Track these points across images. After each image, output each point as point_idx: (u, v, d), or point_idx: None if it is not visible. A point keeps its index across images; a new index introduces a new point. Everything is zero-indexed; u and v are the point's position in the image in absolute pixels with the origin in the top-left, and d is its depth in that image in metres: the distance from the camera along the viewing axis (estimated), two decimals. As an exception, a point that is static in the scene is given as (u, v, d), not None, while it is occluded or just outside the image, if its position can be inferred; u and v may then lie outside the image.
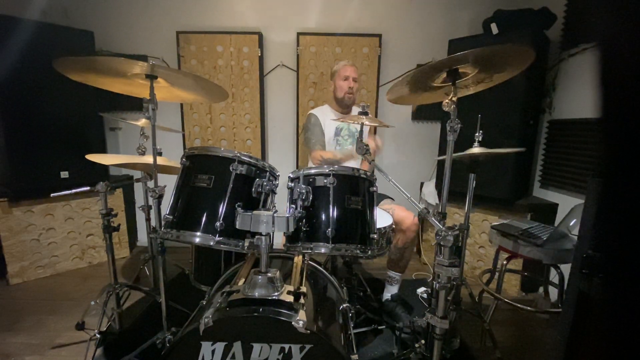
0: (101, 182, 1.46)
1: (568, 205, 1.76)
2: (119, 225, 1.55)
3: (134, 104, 2.59)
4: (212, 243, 1.12)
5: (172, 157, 1.68)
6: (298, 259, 1.28)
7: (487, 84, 1.25)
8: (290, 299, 0.96)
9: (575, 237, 1.38)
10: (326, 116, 2.06)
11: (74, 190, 1.59)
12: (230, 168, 1.17)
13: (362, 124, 1.43)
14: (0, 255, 2.14)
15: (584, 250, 0.95)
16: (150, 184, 1.27)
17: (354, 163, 2.05)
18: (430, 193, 2.56)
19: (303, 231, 1.17)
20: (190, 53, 2.59)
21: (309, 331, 0.89)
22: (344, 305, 1.20)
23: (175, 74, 1.28)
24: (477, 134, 1.41)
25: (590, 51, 1.95)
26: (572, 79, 2.11)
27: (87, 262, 2.49)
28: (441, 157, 1.47)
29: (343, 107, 2.06)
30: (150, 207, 1.73)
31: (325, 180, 1.20)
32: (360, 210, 1.22)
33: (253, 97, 2.66)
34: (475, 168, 1.47)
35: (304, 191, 1.19)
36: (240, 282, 1.05)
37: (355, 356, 1.03)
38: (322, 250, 1.16)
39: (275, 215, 1.00)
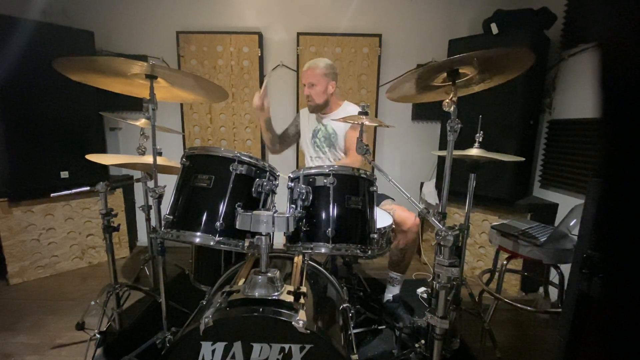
0: (101, 182, 1.46)
1: (568, 205, 1.76)
2: (119, 225, 1.55)
3: (134, 104, 2.58)
4: (212, 243, 1.12)
5: (172, 157, 1.68)
6: (298, 259, 1.28)
7: (487, 83, 1.25)
8: (290, 299, 0.96)
9: (575, 237, 1.38)
10: (307, 117, 2.04)
11: (74, 190, 1.59)
12: (230, 168, 1.17)
13: (362, 124, 1.43)
14: (0, 255, 2.14)
15: (584, 250, 0.95)
16: (150, 184, 1.27)
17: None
18: (430, 193, 2.56)
19: (303, 231, 1.17)
20: (190, 53, 2.59)
21: (309, 331, 0.89)
22: (344, 305, 1.20)
23: (175, 74, 1.27)
24: (477, 135, 1.41)
25: (590, 51, 1.95)
26: (572, 79, 2.11)
27: (87, 262, 2.49)
28: (441, 153, 1.47)
29: (313, 110, 1.98)
30: (150, 207, 1.73)
31: (325, 180, 1.20)
32: (360, 210, 1.22)
33: (253, 97, 2.65)
34: (476, 168, 1.47)
35: (304, 191, 1.19)
36: (240, 282, 1.04)
37: (355, 356, 1.03)
38: (322, 250, 1.16)
39: (275, 215, 1.00)
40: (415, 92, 1.38)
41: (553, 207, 2.14)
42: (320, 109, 1.96)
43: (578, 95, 2.05)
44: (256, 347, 0.92)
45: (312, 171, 1.23)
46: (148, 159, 1.51)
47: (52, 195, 1.54)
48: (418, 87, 1.30)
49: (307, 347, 0.91)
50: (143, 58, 2.58)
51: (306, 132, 2.04)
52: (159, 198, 1.23)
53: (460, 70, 1.14)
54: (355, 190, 1.23)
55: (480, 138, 1.41)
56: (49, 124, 2.16)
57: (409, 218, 1.71)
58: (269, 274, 1.00)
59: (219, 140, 2.74)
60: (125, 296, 1.65)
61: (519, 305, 1.60)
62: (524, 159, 1.53)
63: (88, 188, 1.52)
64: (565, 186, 2.07)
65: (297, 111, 2.68)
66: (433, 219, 1.08)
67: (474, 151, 1.41)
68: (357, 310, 1.71)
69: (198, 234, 1.13)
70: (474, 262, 2.40)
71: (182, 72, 1.42)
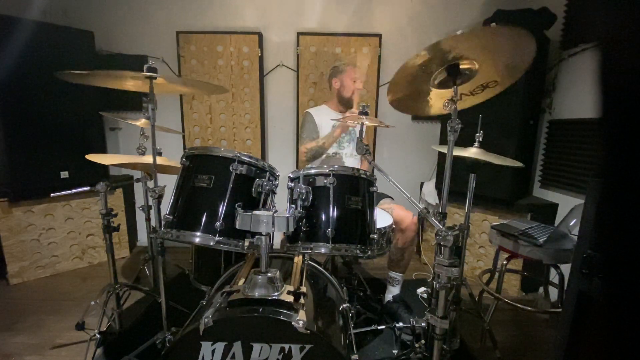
0: (101, 182, 1.46)
1: (568, 205, 1.76)
2: (119, 225, 1.55)
3: (134, 104, 2.58)
4: (212, 243, 1.12)
5: (172, 157, 1.68)
6: (298, 259, 1.28)
7: (492, 89, 1.23)
8: (290, 299, 0.96)
9: (575, 237, 1.37)
10: (323, 116, 2.04)
11: (74, 190, 1.59)
12: (230, 168, 1.17)
13: (362, 124, 1.43)
14: (1, 255, 2.14)
15: (584, 250, 0.95)
16: (150, 184, 1.27)
17: (353, 161, 2.03)
18: (430, 193, 2.55)
19: (303, 231, 1.17)
20: (190, 53, 2.59)
21: (309, 331, 0.89)
22: (344, 305, 1.20)
23: (176, 76, 1.27)
24: (477, 135, 1.41)
25: (590, 51, 1.95)
26: (572, 79, 2.11)
27: (87, 262, 2.49)
28: (441, 148, 1.46)
29: (347, 106, 2.01)
30: (150, 207, 1.73)
31: (325, 180, 1.20)
32: (360, 210, 1.22)
33: (253, 97, 2.66)
34: (476, 168, 1.47)
35: (303, 191, 1.19)
36: (240, 282, 1.04)
37: (355, 356, 1.03)
38: (322, 250, 1.16)
39: (275, 215, 1.00)
40: (416, 97, 1.35)
41: (553, 207, 2.14)
42: (350, 107, 2.01)
43: (578, 95, 2.05)
44: (256, 347, 0.92)
45: (312, 171, 1.23)
46: (148, 159, 1.51)
47: (52, 195, 1.54)
48: (419, 90, 1.29)
49: (307, 347, 0.91)
50: (143, 58, 2.58)
51: (325, 130, 2.01)
52: (159, 198, 1.23)
53: (462, 66, 1.13)
54: (355, 190, 1.23)
55: (480, 138, 1.41)
56: (49, 124, 2.16)
57: (407, 217, 1.72)
58: (269, 274, 1.00)
59: (219, 140, 2.74)
60: (125, 296, 1.65)
61: (519, 305, 1.60)
62: (523, 165, 1.51)
63: (88, 188, 1.52)
64: (565, 186, 2.07)
65: (297, 111, 2.69)
66: (433, 219, 1.07)
67: (474, 151, 1.41)
68: (357, 310, 1.70)
69: (198, 234, 1.13)
70: (474, 262, 2.40)
71: (184, 78, 1.41)
